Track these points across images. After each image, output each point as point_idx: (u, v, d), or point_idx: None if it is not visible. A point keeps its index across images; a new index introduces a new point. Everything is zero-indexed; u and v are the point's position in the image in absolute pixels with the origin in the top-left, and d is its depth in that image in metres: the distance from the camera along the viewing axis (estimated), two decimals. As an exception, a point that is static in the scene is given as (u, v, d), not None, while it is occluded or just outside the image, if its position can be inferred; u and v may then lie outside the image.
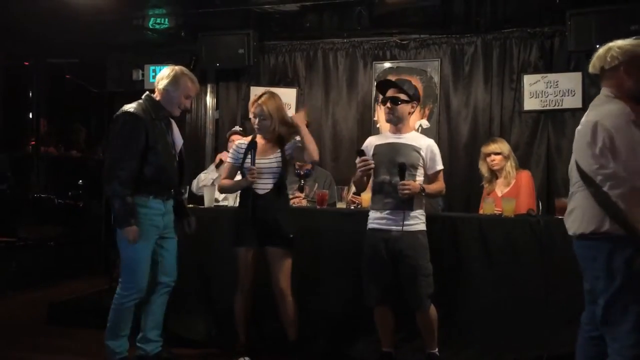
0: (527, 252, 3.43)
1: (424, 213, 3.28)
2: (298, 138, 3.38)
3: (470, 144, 5.19)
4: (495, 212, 3.78)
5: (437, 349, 3.30)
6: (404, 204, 3.16)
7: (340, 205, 4.08)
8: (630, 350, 2.28)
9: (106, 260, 5.48)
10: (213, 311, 3.85)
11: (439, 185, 3.33)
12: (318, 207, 3.94)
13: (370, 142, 3.41)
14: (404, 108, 3.28)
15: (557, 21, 4.89)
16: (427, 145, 3.29)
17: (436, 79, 5.30)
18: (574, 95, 4.92)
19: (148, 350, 3.37)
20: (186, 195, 3.80)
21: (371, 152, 3.33)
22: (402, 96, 3.26)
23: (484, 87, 5.22)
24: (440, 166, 3.32)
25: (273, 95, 3.40)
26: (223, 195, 4.38)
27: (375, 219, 3.27)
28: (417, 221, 3.21)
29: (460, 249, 3.46)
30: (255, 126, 3.38)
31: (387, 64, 5.50)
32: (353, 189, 4.58)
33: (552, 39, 5.06)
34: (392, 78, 4.09)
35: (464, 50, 5.29)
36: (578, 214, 2.44)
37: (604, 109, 2.40)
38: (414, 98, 3.31)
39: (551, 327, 3.32)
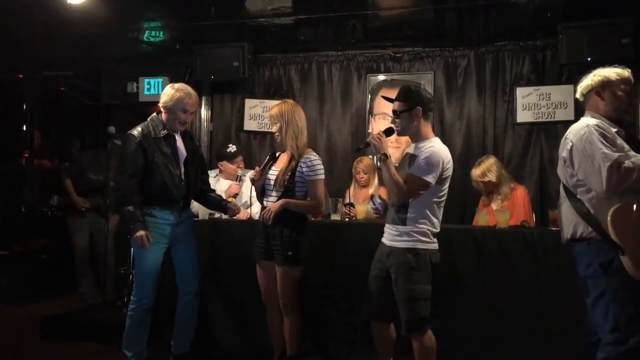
0: (521, 264, 3.44)
1: (428, 230, 2.92)
2: (309, 156, 3.26)
3: (463, 155, 5.20)
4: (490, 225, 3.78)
5: None
6: (397, 217, 2.96)
7: (335, 217, 4.08)
8: (611, 347, 2.42)
9: (100, 274, 5.44)
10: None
11: (403, 183, 2.88)
12: (313, 218, 3.93)
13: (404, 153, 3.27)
14: (405, 118, 3.01)
15: (549, 34, 4.94)
16: (423, 152, 2.94)
17: (430, 91, 5.32)
18: (566, 108, 4.96)
19: (173, 351, 3.60)
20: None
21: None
22: (398, 105, 3.02)
23: (477, 100, 5.25)
24: (415, 172, 2.89)
25: (286, 102, 3.36)
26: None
27: (384, 231, 3.12)
28: (407, 238, 2.91)
29: (455, 260, 3.46)
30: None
31: (381, 77, 5.53)
32: (347, 200, 4.59)
33: (544, 52, 5.11)
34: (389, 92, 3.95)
35: (457, 63, 5.34)
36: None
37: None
38: (413, 102, 2.98)
39: (545, 339, 3.32)
